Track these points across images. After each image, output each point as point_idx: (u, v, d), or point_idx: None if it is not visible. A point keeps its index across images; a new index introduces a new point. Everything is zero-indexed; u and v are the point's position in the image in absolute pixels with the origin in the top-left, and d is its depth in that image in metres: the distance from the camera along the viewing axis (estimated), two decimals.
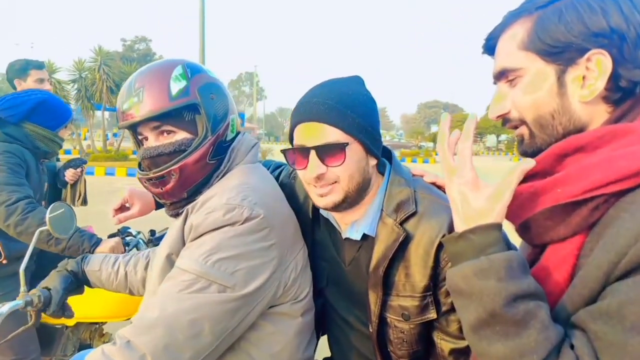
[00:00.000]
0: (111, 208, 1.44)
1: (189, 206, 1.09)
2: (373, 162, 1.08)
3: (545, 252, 0.73)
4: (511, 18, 0.77)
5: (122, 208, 1.46)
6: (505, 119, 0.81)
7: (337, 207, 1.06)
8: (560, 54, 0.71)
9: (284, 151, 1.10)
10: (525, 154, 0.80)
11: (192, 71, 1.10)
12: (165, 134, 1.10)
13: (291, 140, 1.10)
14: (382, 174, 1.14)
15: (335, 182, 1.03)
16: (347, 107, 1.02)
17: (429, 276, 1.01)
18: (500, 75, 0.79)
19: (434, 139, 55.73)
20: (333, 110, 1.01)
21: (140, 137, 1.15)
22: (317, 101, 1.03)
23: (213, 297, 0.95)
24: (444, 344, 1.06)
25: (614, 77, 0.69)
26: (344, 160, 1.01)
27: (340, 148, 1.00)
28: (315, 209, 1.18)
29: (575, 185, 0.67)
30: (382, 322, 1.09)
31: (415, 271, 1.03)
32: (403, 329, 1.07)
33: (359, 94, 1.06)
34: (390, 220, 1.05)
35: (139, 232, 2.14)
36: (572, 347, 0.65)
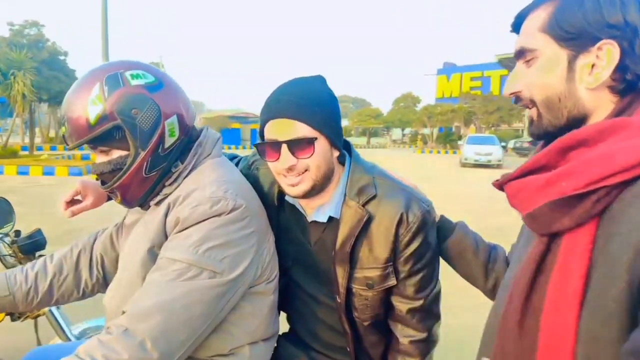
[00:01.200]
0: (62, 200, 1.35)
1: (170, 201, 1.12)
2: (336, 153, 1.19)
3: (561, 248, 0.74)
4: (538, 3, 0.80)
5: (73, 201, 1.40)
6: (517, 97, 0.85)
7: (307, 195, 1.16)
8: (574, 40, 0.74)
9: (257, 145, 1.17)
10: (533, 135, 0.85)
11: (109, 89, 1.07)
12: (101, 153, 1.14)
13: (262, 135, 1.18)
14: (342, 164, 1.25)
15: (306, 170, 1.12)
16: (314, 104, 1.11)
17: (390, 249, 1.15)
18: (519, 55, 0.83)
19: (344, 132, 57.34)
20: (302, 107, 1.10)
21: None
22: (287, 99, 1.11)
23: (205, 283, 1.01)
24: (402, 305, 1.20)
25: (620, 68, 0.72)
26: (312, 153, 1.11)
27: (309, 142, 1.10)
28: (280, 197, 1.27)
29: (578, 179, 0.69)
30: (348, 292, 1.21)
31: (378, 246, 1.16)
32: (367, 296, 1.20)
33: (323, 92, 1.16)
34: (353, 203, 1.17)
35: (6, 235, 1.98)
36: None
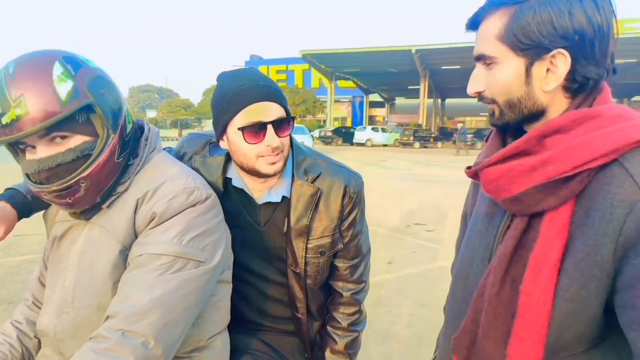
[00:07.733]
0: None
1: (139, 197, 1.05)
2: None
3: (542, 224, 0.80)
4: (493, 6, 0.84)
5: None
6: (480, 96, 0.90)
7: (277, 172, 1.23)
8: (530, 49, 0.80)
9: (241, 129, 1.16)
10: (494, 125, 0.92)
11: (72, 67, 0.97)
12: (58, 140, 0.98)
13: (223, 126, 1.20)
14: None
15: (282, 150, 1.21)
16: (280, 89, 1.22)
17: (337, 218, 1.29)
18: (479, 58, 0.87)
19: (155, 123, 53.87)
20: (278, 92, 1.20)
21: (22, 147, 1.00)
22: (264, 85, 1.18)
23: (193, 273, 1.01)
24: (344, 264, 1.36)
25: (571, 72, 0.79)
26: (289, 132, 1.21)
27: (288, 122, 1.20)
28: (226, 184, 1.29)
29: (564, 163, 0.76)
30: (304, 262, 1.31)
31: (326, 217, 1.29)
32: (319, 262, 1.32)
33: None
34: (302, 182, 1.27)
35: None
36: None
